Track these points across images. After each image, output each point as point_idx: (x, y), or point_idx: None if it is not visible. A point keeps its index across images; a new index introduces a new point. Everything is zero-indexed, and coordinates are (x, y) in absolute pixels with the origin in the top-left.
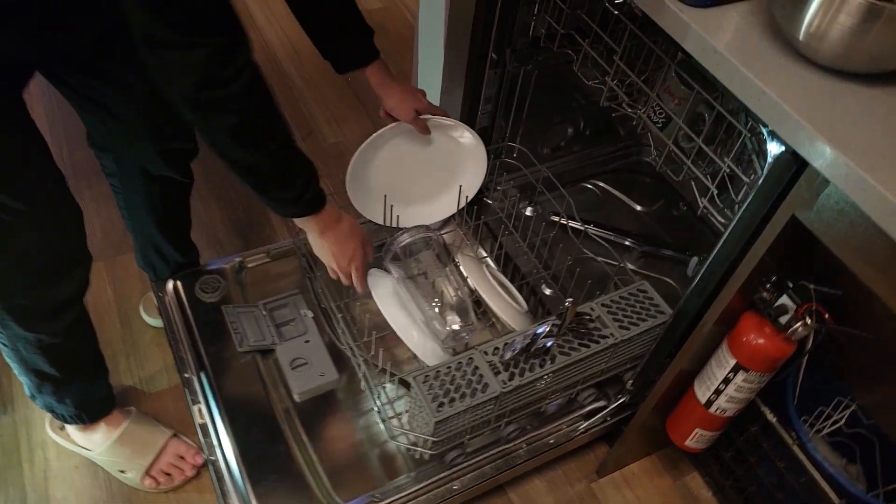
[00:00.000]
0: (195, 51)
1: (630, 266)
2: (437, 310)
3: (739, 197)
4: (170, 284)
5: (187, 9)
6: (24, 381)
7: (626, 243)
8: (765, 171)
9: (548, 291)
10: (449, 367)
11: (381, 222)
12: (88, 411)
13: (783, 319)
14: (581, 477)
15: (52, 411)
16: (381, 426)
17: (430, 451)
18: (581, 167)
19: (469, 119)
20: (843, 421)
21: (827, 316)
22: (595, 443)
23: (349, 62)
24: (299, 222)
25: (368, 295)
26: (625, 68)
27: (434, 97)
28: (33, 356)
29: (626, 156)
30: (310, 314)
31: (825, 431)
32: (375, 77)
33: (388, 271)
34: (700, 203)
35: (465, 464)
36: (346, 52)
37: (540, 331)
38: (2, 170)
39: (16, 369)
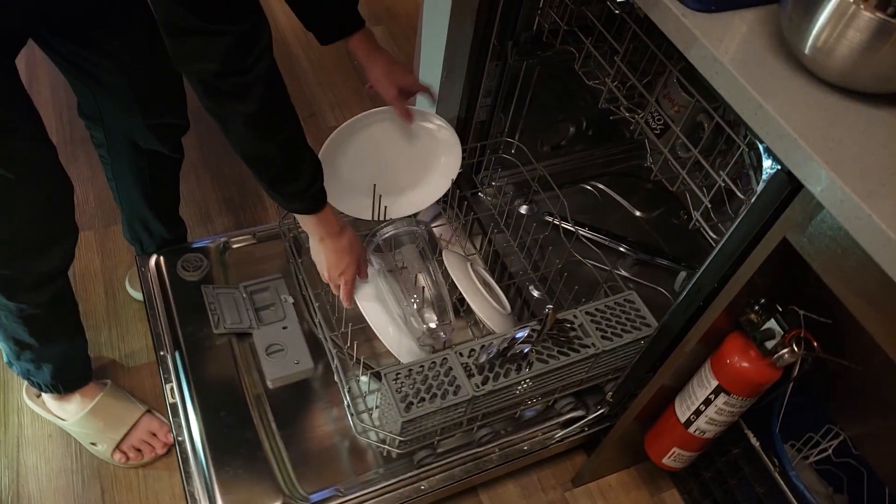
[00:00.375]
0: (218, 38)
1: (623, 273)
2: (415, 306)
3: (735, 213)
4: (152, 260)
5: None
6: (2, 347)
7: (621, 249)
8: (758, 189)
9: (535, 293)
10: (422, 367)
11: (357, 215)
12: (64, 382)
13: (769, 344)
14: (556, 484)
15: (28, 379)
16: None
17: (397, 450)
18: (581, 167)
19: (467, 112)
20: (831, 450)
21: (815, 344)
22: (572, 450)
23: (333, 31)
24: (304, 224)
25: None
26: (625, 70)
27: (434, 87)
28: (14, 325)
29: (628, 159)
30: (290, 300)
31: (812, 459)
32: (361, 48)
33: (369, 263)
34: (693, 216)
35: (435, 464)
36: (329, 20)
37: (518, 336)
38: None
39: None
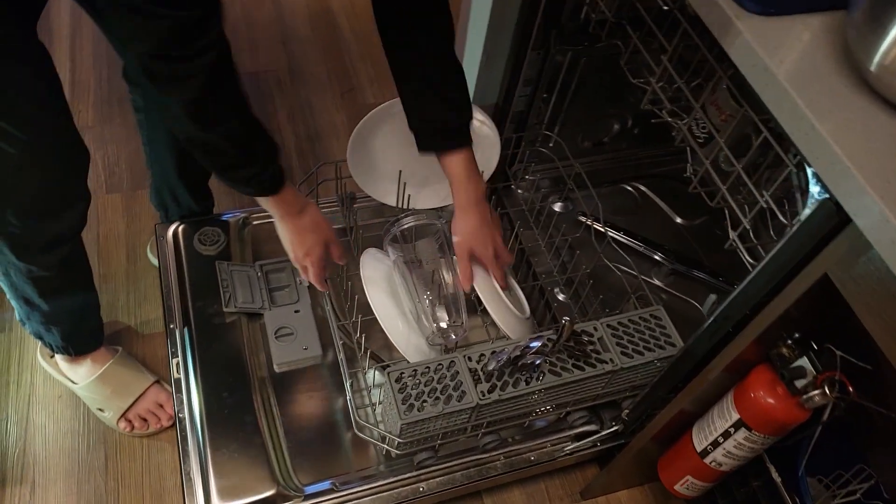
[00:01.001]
0: (157, 21)
1: (657, 282)
2: (427, 302)
3: (778, 236)
4: (171, 229)
5: None
6: (14, 306)
7: (656, 257)
8: (802, 216)
9: (560, 297)
10: (428, 368)
11: (382, 200)
12: (75, 345)
13: (799, 383)
14: (563, 495)
15: (40, 338)
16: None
17: (396, 451)
18: (623, 167)
19: (505, 100)
20: (861, 493)
21: (851, 389)
22: (585, 462)
23: (431, 139)
24: (262, 203)
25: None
26: (672, 71)
27: (473, 72)
28: (23, 284)
29: (674, 161)
30: (306, 282)
31: (839, 501)
32: (455, 181)
33: (386, 253)
34: (730, 235)
35: (435, 468)
36: (432, 124)
37: (532, 345)
38: (5, 99)
39: (7, 293)
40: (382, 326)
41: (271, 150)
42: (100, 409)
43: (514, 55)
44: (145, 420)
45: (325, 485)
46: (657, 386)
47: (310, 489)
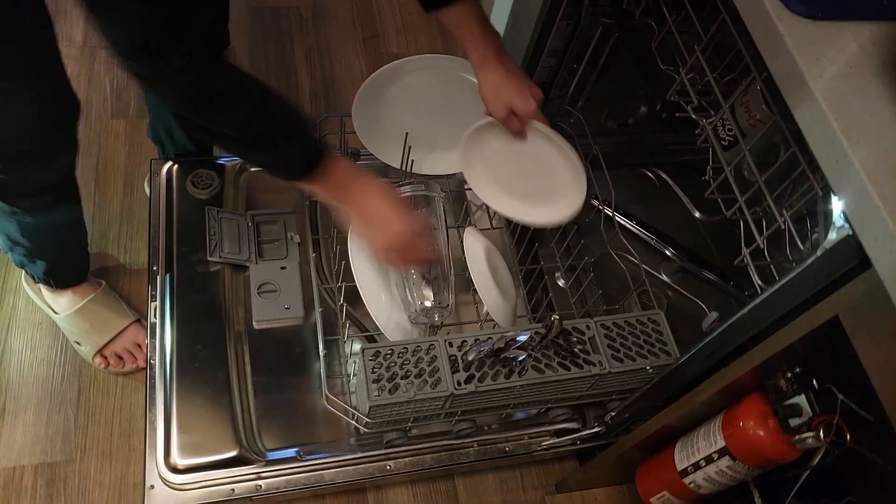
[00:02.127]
0: (127, 16)
1: (664, 277)
2: (415, 278)
3: (794, 260)
4: (165, 167)
5: None
6: None
7: (667, 252)
8: (820, 249)
9: (560, 282)
10: (405, 349)
11: (386, 161)
12: (57, 279)
13: (794, 422)
14: (538, 485)
15: (23, 268)
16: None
17: (364, 428)
18: (646, 151)
19: (528, 69)
20: None
21: (848, 436)
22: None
23: None
24: (317, 192)
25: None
26: (703, 63)
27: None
28: (7, 223)
29: (701, 151)
30: (297, 239)
31: None
32: (469, 40)
33: None
34: (742, 251)
35: (404, 448)
36: None
37: (518, 339)
38: None
39: None
40: (363, 297)
41: (298, 126)
42: (77, 343)
43: (541, 22)
44: (121, 358)
45: (290, 452)
46: (644, 396)
47: (272, 455)
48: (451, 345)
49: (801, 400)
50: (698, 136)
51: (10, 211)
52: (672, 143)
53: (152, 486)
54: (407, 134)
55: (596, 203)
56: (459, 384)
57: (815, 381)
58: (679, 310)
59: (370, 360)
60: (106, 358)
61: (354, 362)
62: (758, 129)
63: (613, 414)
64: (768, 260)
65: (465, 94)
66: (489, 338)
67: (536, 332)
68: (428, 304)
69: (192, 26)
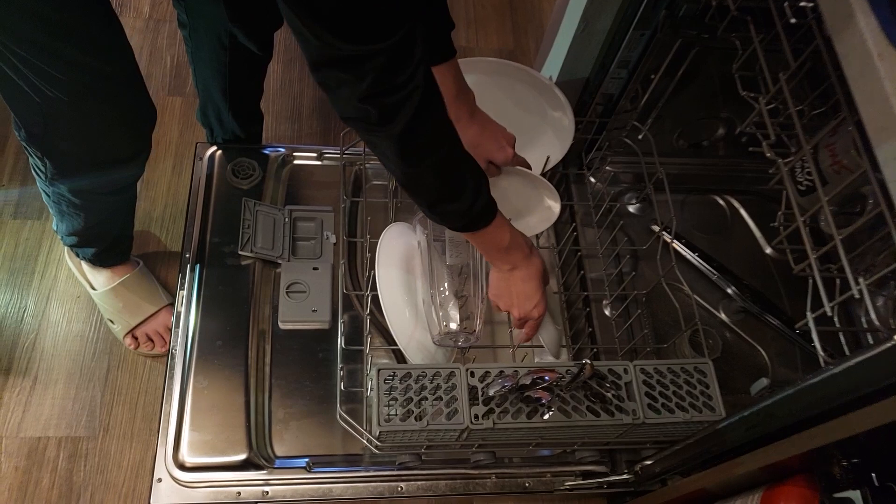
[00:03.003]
0: (370, 60)
1: (722, 316)
2: (443, 296)
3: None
4: (208, 152)
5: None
6: (52, 214)
7: (729, 291)
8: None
9: (607, 311)
10: (424, 374)
11: None
12: (101, 260)
13: None
14: None
15: (71, 248)
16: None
17: (375, 450)
18: (718, 174)
19: (596, 78)
20: None
21: None
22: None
23: None
24: (476, 243)
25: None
26: (787, 94)
27: (566, 39)
28: (66, 209)
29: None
30: (333, 239)
31: None
32: (446, 91)
33: (414, 230)
34: (807, 315)
35: (417, 472)
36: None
37: (545, 378)
38: (86, 29)
39: (45, 199)
40: (385, 312)
41: (479, 180)
42: (110, 321)
43: (614, 30)
44: (151, 340)
45: (300, 462)
46: (680, 452)
47: (282, 462)
48: (472, 374)
49: (855, 496)
50: (772, 176)
51: (75, 202)
52: (749, 169)
53: (160, 480)
54: None
55: (656, 229)
56: (477, 418)
57: (874, 477)
58: (735, 354)
59: (385, 382)
60: (136, 339)
61: (371, 378)
62: (842, 176)
63: (647, 464)
64: (837, 327)
65: (529, 102)
66: (515, 371)
67: (568, 371)
68: (454, 326)
69: (418, 51)
